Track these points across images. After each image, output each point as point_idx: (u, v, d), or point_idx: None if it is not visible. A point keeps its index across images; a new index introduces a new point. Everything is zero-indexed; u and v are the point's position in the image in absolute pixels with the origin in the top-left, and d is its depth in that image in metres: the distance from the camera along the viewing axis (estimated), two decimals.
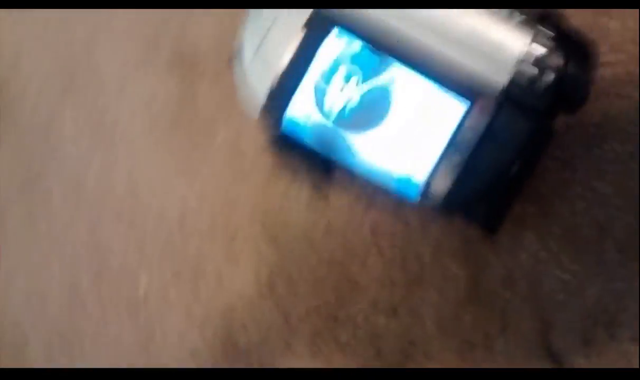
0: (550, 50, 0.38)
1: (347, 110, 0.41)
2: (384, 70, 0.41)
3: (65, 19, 0.55)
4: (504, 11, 0.39)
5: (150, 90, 0.54)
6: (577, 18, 0.45)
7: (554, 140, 0.43)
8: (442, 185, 0.40)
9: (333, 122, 0.42)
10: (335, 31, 0.41)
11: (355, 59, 0.41)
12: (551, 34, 0.39)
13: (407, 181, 0.41)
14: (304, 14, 0.42)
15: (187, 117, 0.54)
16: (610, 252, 0.47)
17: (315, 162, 0.45)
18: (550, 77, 0.38)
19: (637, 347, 0.46)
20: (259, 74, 0.43)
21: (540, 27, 0.39)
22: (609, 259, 0.48)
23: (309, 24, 0.42)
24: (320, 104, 0.42)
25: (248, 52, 0.43)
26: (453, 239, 0.49)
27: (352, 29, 0.41)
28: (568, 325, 0.48)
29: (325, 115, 0.42)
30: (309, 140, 0.43)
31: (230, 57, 0.44)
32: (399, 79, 0.41)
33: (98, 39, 0.55)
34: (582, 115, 0.44)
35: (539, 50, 0.39)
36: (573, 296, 0.48)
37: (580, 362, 0.47)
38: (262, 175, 0.52)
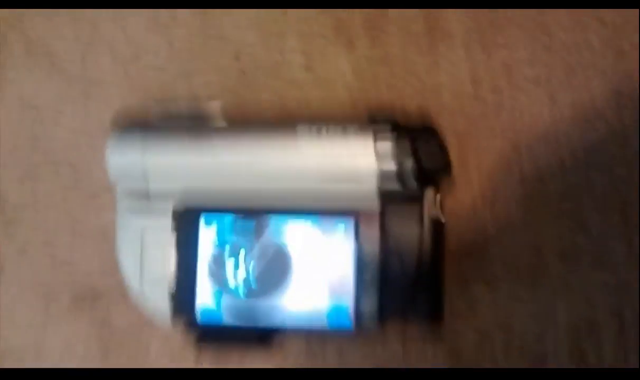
0: (396, 140, 0.41)
1: (251, 281, 0.43)
2: (265, 227, 0.43)
3: None
4: (337, 129, 0.41)
5: (68, 337, 0.54)
6: (407, 88, 0.48)
7: (450, 199, 0.44)
8: (370, 306, 0.42)
9: (245, 297, 0.43)
10: (202, 219, 0.43)
11: (233, 232, 0.43)
12: (387, 126, 0.41)
13: (338, 313, 0.42)
14: (167, 217, 0.43)
15: (115, 346, 0.54)
16: (555, 265, 0.49)
17: (248, 339, 0.44)
18: (409, 162, 0.40)
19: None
20: (152, 292, 0.44)
21: (375, 126, 0.41)
22: (556, 272, 0.49)
23: (176, 227, 0.43)
24: (223, 287, 0.43)
25: (132, 278, 0.45)
26: (414, 327, 0.49)
27: (217, 209, 0.43)
28: (558, 352, 0.49)
29: (234, 294, 0.43)
30: (231, 322, 0.43)
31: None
32: (282, 229, 0.42)
33: None
34: (460, 163, 0.45)
35: (386, 145, 0.41)
36: (547, 320, 0.49)
37: None
38: (214, 365, 0.52)
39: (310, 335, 0.51)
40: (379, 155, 0.41)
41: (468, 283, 0.50)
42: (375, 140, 0.41)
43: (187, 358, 0.54)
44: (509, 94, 0.50)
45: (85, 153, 0.55)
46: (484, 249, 0.50)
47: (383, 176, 0.41)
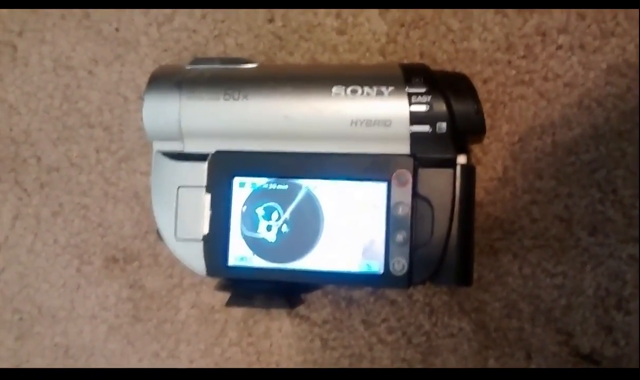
0: (429, 104, 0.42)
1: (282, 242, 0.44)
2: (297, 189, 0.44)
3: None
4: (373, 90, 0.42)
5: (98, 300, 0.56)
6: (440, 53, 0.49)
7: (479, 167, 0.44)
8: (400, 266, 0.42)
9: (275, 258, 0.44)
10: (236, 180, 0.44)
11: (266, 194, 0.44)
12: (422, 89, 0.41)
13: (368, 273, 0.43)
14: (202, 176, 0.44)
15: (145, 308, 0.56)
16: (584, 238, 0.50)
17: (277, 297, 0.45)
18: (442, 126, 0.41)
19: None
20: (187, 246, 0.45)
21: (410, 89, 0.42)
22: (585, 244, 0.50)
23: (210, 184, 0.45)
24: (255, 248, 0.44)
25: (168, 232, 0.46)
26: (441, 298, 0.51)
27: (250, 170, 0.44)
28: (583, 324, 0.49)
29: (265, 255, 0.44)
30: (260, 282, 0.45)
31: (157, 232, 0.47)
32: (315, 190, 0.43)
33: (27, 270, 0.57)
34: (492, 134, 0.45)
35: (420, 108, 0.42)
36: (573, 294, 0.50)
37: (613, 350, 0.48)
38: (240, 325, 0.54)
39: (336, 298, 0.53)
40: (413, 118, 0.42)
41: (497, 254, 0.50)
42: (410, 102, 0.42)
43: (216, 320, 0.55)
44: (543, 60, 0.50)
45: (119, 115, 0.56)
46: (513, 220, 0.50)
47: (417, 139, 0.42)
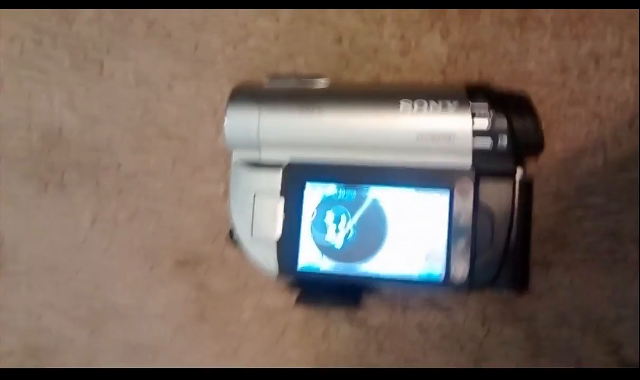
0: (492, 119, 0.44)
1: (349, 246, 0.47)
2: (365, 197, 0.47)
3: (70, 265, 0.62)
4: (439, 105, 0.44)
5: (166, 300, 0.60)
6: (498, 74, 0.52)
7: (535, 183, 0.46)
8: (461, 272, 0.45)
9: (342, 261, 0.47)
10: (308, 186, 0.48)
11: (336, 200, 0.47)
12: (485, 104, 0.44)
13: (429, 277, 0.45)
14: (277, 183, 0.48)
15: (210, 309, 0.59)
16: (634, 251, 0.51)
17: (342, 297, 0.49)
18: (504, 140, 0.43)
19: None
20: (261, 248, 0.49)
21: (474, 103, 0.44)
22: (635, 258, 0.51)
23: (284, 191, 0.48)
24: (324, 251, 0.47)
25: (243, 234, 0.50)
26: (495, 307, 0.53)
27: (322, 178, 0.48)
28: (632, 334, 0.51)
29: (333, 257, 0.47)
30: (328, 283, 0.48)
31: (228, 235, 0.51)
32: (381, 198, 0.47)
33: (102, 269, 0.61)
34: (546, 151, 0.48)
35: (483, 123, 0.44)
36: (623, 307, 0.51)
37: None
38: (300, 327, 0.57)
39: (393, 304, 0.55)
40: (475, 131, 0.45)
41: (549, 266, 0.52)
42: (473, 116, 0.45)
43: (277, 324, 0.58)
44: (596, 83, 0.52)
45: (194, 128, 0.60)
46: (565, 234, 0.52)
47: (479, 152, 0.45)
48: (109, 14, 0.62)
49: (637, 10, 0.52)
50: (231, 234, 0.51)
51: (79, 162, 0.62)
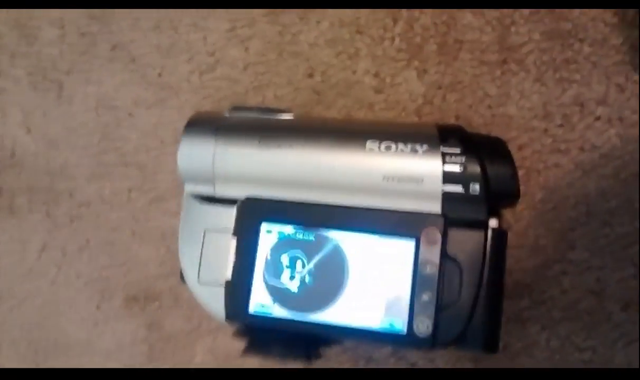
0: (464, 165, 0.41)
1: (305, 292, 0.43)
2: (324, 240, 0.43)
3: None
4: (407, 148, 0.42)
5: (117, 336, 0.56)
6: (476, 118, 0.49)
7: (510, 233, 0.43)
8: (424, 327, 0.41)
9: (296, 308, 0.43)
10: (264, 225, 0.44)
11: (293, 242, 0.44)
12: (457, 150, 0.41)
13: (391, 330, 0.42)
14: (230, 220, 0.44)
15: (160, 349, 0.55)
16: (616, 313, 0.48)
17: (295, 348, 0.45)
18: (476, 187, 0.41)
19: None
20: (209, 289, 0.45)
21: (446, 146, 0.41)
22: (617, 320, 0.48)
23: (238, 229, 0.44)
24: (277, 296, 0.43)
25: (191, 272, 0.46)
26: (464, 365, 0.50)
27: (279, 217, 0.44)
28: None
29: (287, 304, 0.43)
30: (280, 331, 0.44)
31: (180, 273, 0.47)
32: (342, 242, 0.43)
33: (49, 301, 0.57)
34: (524, 200, 0.45)
35: (454, 168, 0.41)
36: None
37: None
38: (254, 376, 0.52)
39: (355, 356, 0.51)
40: (446, 177, 0.41)
41: (524, 323, 0.49)
42: (444, 161, 0.42)
43: (231, 365, 0.54)
44: (580, 131, 0.50)
45: (155, 157, 0.57)
46: (543, 290, 0.49)
47: (449, 198, 0.41)
48: (72, 34, 0.59)
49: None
50: (181, 273, 0.47)
51: (31, 186, 0.59)
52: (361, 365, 0.51)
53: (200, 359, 0.55)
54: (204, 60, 0.56)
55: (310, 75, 0.54)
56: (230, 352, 0.54)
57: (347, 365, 0.51)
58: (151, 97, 0.57)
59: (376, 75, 0.53)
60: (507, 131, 0.50)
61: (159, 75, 0.57)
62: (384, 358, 0.51)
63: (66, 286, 0.58)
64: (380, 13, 0.53)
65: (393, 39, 0.53)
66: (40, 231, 0.59)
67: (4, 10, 0.60)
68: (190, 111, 0.55)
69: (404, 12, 0.52)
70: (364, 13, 0.53)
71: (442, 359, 0.50)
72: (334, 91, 0.54)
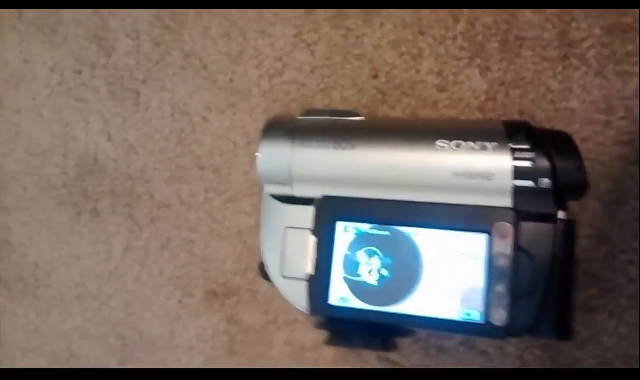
0: (533, 160, 0.42)
1: (382, 286, 0.45)
2: (398, 236, 0.45)
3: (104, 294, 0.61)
4: (477, 145, 0.43)
5: (198, 330, 0.58)
6: (539, 112, 0.50)
7: (578, 224, 0.44)
8: (500, 317, 0.42)
9: (374, 300, 0.45)
10: (340, 224, 0.46)
11: (369, 240, 0.45)
12: (526, 145, 0.42)
13: (468, 321, 0.43)
14: (308, 219, 0.46)
15: (240, 341, 0.58)
16: None
17: (373, 338, 0.47)
18: (545, 182, 0.42)
19: None
20: (292, 283, 0.47)
21: (514, 145, 0.43)
22: None
23: (316, 227, 0.46)
24: (356, 290, 0.45)
25: (274, 268, 0.48)
26: (533, 353, 0.51)
27: (354, 215, 0.46)
28: None
29: (365, 297, 0.45)
30: (359, 322, 0.46)
31: (259, 268, 0.49)
32: (416, 238, 0.44)
33: (133, 298, 0.61)
34: (589, 192, 0.46)
35: (524, 164, 0.42)
36: None
37: None
38: (329, 365, 0.55)
39: (427, 346, 0.53)
40: (516, 173, 0.42)
41: (592, 312, 0.50)
42: (513, 158, 0.43)
43: (307, 358, 0.57)
44: None
45: (228, 159, 0.59)
46: (610, 279, 0.50)
47: (519, 193, 0.43)
48: (147, 45, 0.62)
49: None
50: (261, 267, 0.49)
51: (113, 190, 0.62)
52: (432, 354, 0.53)
53: (277, 350, 0.57)
54: (272, 65, 0.59)
55: (375, 76, 0.56)
56: (306, 343, 0.57)
57: (419, 355, 0.53)
58: (223, 102, 0.60)
59: (439, 73, 0.54)
60: (569, 125, 0.51)
61: (230, 80, 0.60)
62: (454, 346, 0.53)
63: (149, 283, 0.61)
64: (442, 13, 0.54)
65: (455, 38, 0.54)
66: (123, 232, 0.62)
67: (83, 25, 0.63)
68: (261, 114, 0.58)
69: (465, 11, 0.53)
70: (425, 14, 0.54)
71: (513, 346, 0.51)
72: (398, 91, 0.55)
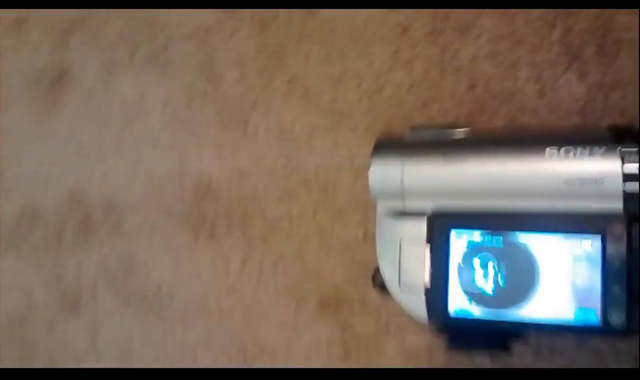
0: None
1: (499, 292, 0.46)
2: (512, 243, 0.46)
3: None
4: (586, 150, 0.44)
5: (314, 342, 0.62)
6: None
7: None
8: (618, 318, 0.43)
9: (493, 306, 0.47)
10: (453, 233, 0.48)
11: (482, 247, 0.47)
12: (635, 148, 0.43)
13: (586, 323, 0.44)
14: (422, 231, 0.48)
15: (354, 349, 0.60)
16: None
17: (491, 343, 0.48)
18: None
19: None
20: (410, 294, 0.49)
21: (624, 148, 0.43)
22: None
23: (430, 238, 0.48)
24: (473, 297, 0.47)
25: (391, 281, 0.50)
26: None
27: (467, 225, 0.48)
28: None
29: (483, 304, 0.47)
30: (477, 330, 0.48)
31: (373, 278, 0.51)
32: (529, 245, 0.46)
33: (251, 311, 0.65)
34: None
35: (634, 168, 0.43)
36: None
37: None
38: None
39: (539, 347, 0.54)
40: (626, 177, 0.43)
41: None
42: (623, 161, 0.43)
43: (419, 364, 0.59)
44: None
45: (334, 176, 0.62)
46: None
47: (630, 196, 0.43)
48: (252, 73, 0.66)
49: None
50: (374, 279, 0.52)
51: (227, 212, 0.66)
52: (545, 355, 0.54)
53: (389, 359, 0.59)
54: (371, 84, 0.61)
55: (473, 87, 0.58)
56: (420, 349, 0.59)
57: (530, 356, 0.54)
58: (326, 123, 0.63)
59: (537, 81, 0.55)
60: None
61: (332, 102, 0.63)
62: (566, 346, 0.54)
63: (265, 296, 0.65)
64: (537, 22, 0.55)
65: (552, 45, 0.55)
66: (238, 250, 0.66)
67: (192, 56, 0.68)
68: (363, 132, 0.60)
69: (560, 19, 0.54)
70: (520, 24, 0.56)
71: (628, 347, 0.52)
72: (497, 100, 0.57)
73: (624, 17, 0.53)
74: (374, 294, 0.55)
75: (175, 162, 0.69)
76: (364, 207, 0.60)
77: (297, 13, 0.64)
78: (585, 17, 0.54)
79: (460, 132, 0.50)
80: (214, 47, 0.68)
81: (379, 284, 0.51)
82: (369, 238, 0.59)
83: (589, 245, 0.45)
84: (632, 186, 0.43)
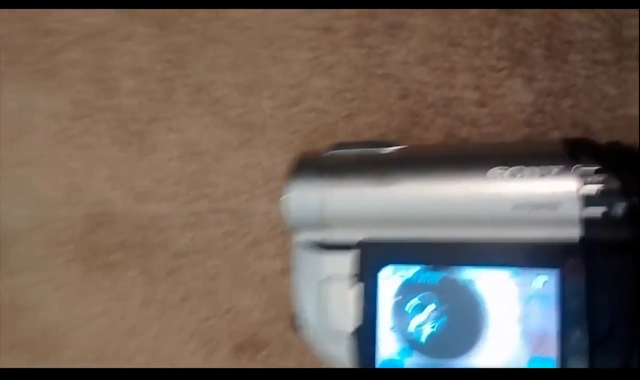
0: (604, 182, 0.35)
1: (438, 341, 0.38)
2: (453, 280, 0.38)
3: None
4: (537, 170, 0.36)
5: None
6: (595, 123, 0.43)
7: None
8: (578, 365, 0.36)
9: (430, 356, 0.38)
10: (385, 271, 0.39)
11: (418, 285, 0.39)
12: (594, 167, 0.36)
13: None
14: (345, 268, 0.40)
15: None
16: None
17: None
18: (620, 205, 0.35)
19: None
20: (332, 340, 0.41)
21: (581, 167, 0.36)
22: None
23: (357, 275, 0.40)
24: (408, 345, 0.39)
25: (311, 324, 0.42)
26: None
27: (401, 259, 0.39)
28: None
29: (419, 352, 0.39)
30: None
31: (290, 322, 0.43)
32: (474, 282, 0.38)
33: (155, 357, 0.56)
34: None
35: (593, 188, 0.36)
36: None
37: None
38: None
39: None
40: (585, 200, 0.36)
41: None
42: (582, 181, 0.36)
43: None
44: None
45: (246, 200, 0.53)
46: None
47: (589, 222, 0.36)
48: (150, 82, 0.55)
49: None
50: (293, 321, 0.42)
51: (125, 242, 0.56)
52: None
53: None
54: (287, 93, 0.52)
55: (404, 97, 0.49)
56: None
57: None
58: (236, 139, 0.53)
59: (477, 88, 0.47)
60: (631, 133, 0.44)
61: (243, 115, 0.53)
62: None
63: (170, 340, 0.55)
64: (475, 21, 0.47)
65: (491, 47, 0.47)
66: (138, 287, 0.56)
67: (82, 64, 0.57)
68: (278, 149, 0.51)
69: (501, 17, 0.46)
70: (455, 23, 0.47)
71: None
72: (432, 110, 0.48)
73: (572, 13, 0.45)
74: (295, 337, 0.46)
75: (63, 185, 0.58)
76: (282, 235, 0.51)
77: (201, 13, 0.54)
78: (529, 14, 0.46)
79: (391, 150, 0.42)
80: (106, 53, 0.57)
81: (297, 327, 0.42)
82: (288, 270, 0.50)
83: (543, 282, 0.37)
84: (592, 211, 0.36)
